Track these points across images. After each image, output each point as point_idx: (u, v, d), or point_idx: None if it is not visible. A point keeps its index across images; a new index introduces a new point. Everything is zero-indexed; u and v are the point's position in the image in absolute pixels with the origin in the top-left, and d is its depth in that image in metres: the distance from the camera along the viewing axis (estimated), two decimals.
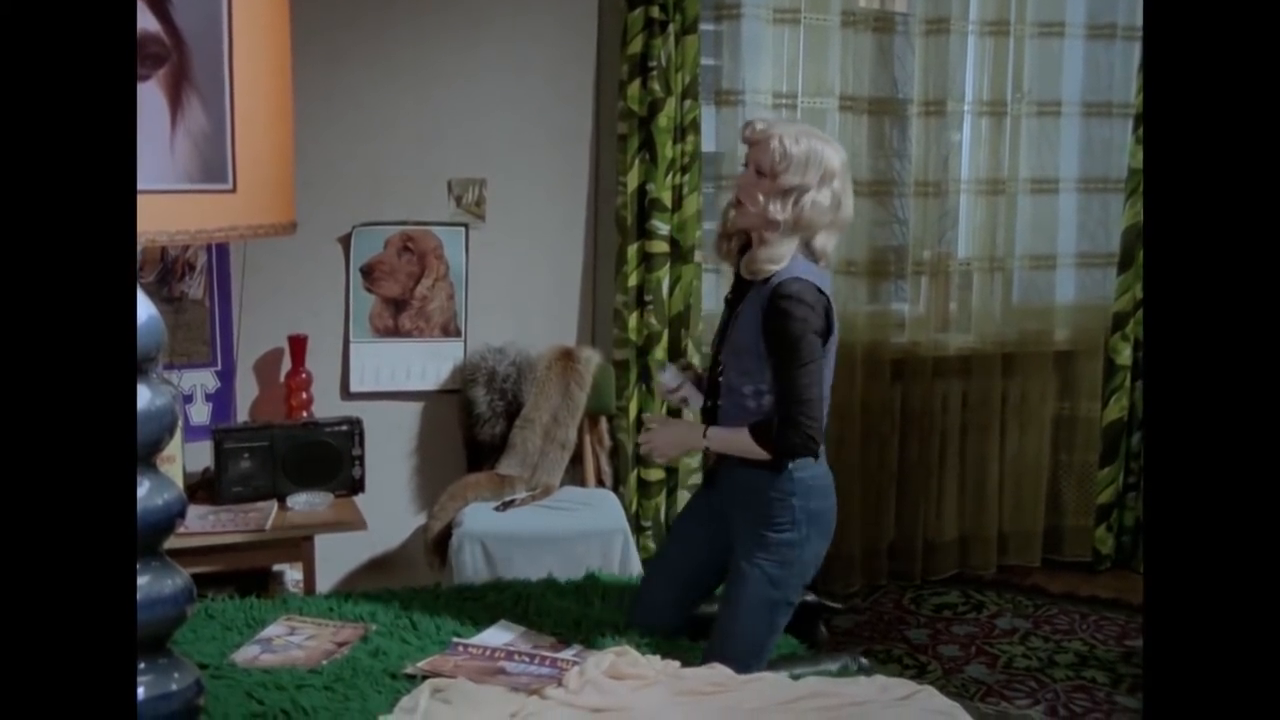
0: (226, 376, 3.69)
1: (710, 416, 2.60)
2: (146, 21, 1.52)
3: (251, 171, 1.65)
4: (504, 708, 2.04)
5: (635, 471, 3.90)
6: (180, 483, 3.28)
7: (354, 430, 3.54)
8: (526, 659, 2.36)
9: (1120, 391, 4.39)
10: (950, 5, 4.11)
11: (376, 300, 3.81)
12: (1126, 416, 4.41)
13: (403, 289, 3.82)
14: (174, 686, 1.75)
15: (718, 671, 2.25)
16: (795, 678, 2.28)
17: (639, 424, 3.81)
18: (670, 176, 3.82)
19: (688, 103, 3.83)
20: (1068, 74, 4.30)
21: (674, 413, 3.59)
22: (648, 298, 3.85)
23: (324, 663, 2.33)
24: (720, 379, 2.56)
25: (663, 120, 3.78)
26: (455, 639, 2.47)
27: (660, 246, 3.83)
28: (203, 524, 3.25)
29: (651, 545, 3.88)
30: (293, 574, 3.43)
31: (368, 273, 3.79)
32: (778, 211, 2.43)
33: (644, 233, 3.84)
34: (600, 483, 3.87)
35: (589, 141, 3.94)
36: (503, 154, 3.86)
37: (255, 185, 1.66)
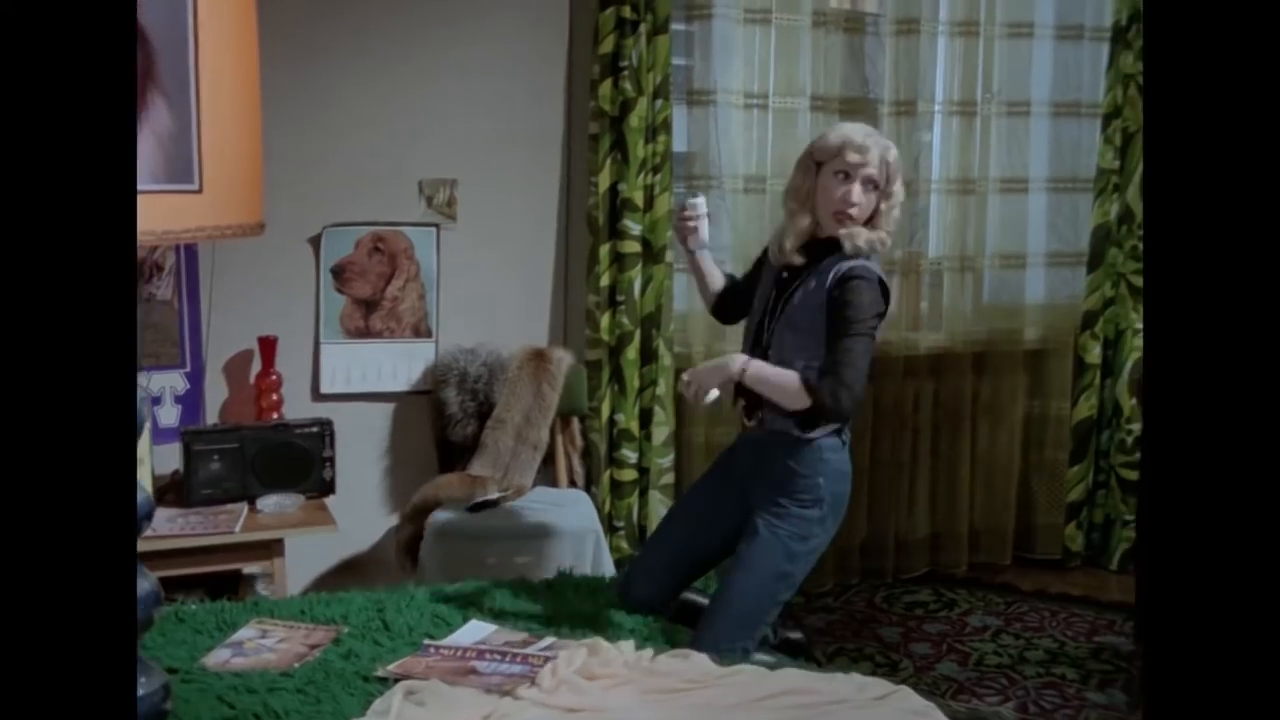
0: (195, 378, 3.67)
1: (755, 398, 2.72)
2: None
3: (218, 172, 1.64)
4: (477, 709, 2.04)
5: (608, 472, 3.90)
6: (149, 485, 3.25)
7: (325, 432, 3.53)
8: (498, 657, 2.36)
9: (1090, 390, 4.42)
10: (920, 6, 4.13)
11: (347, 301, 3.79)
12: (1096, 415, 4.44)
13: (374, 290, 3.81)
14: (140, 691, 1.74)
15: (692, 664, 2.25)
16: (772, 667, 2.29)
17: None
18: (642, 176, 3.82)
19: (659, 102, 3.83)
20: (1037, 74, 4.32)
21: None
22: (619, 298, 3.85)
23: (296, 665, 2.32)
24: (770, 353, 2.71)
25: (634, 120, 3.78)
26: (427, 640, 2.46)
27: (632, 246, 3.83)
28: (172, 527, 3.23)
29: (625, 546, 3.88)
30: (264, 576, 3.41)
31: (338, 273, 3.77)
32: (886, 223, 2.73)
33: (616, 233, 3.84)
34: (572, 483, 3.87)
35: (560, 141, 3.94)
36: (474, 154, 3.85)
37: (222, 186, 1.66)
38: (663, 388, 3.90)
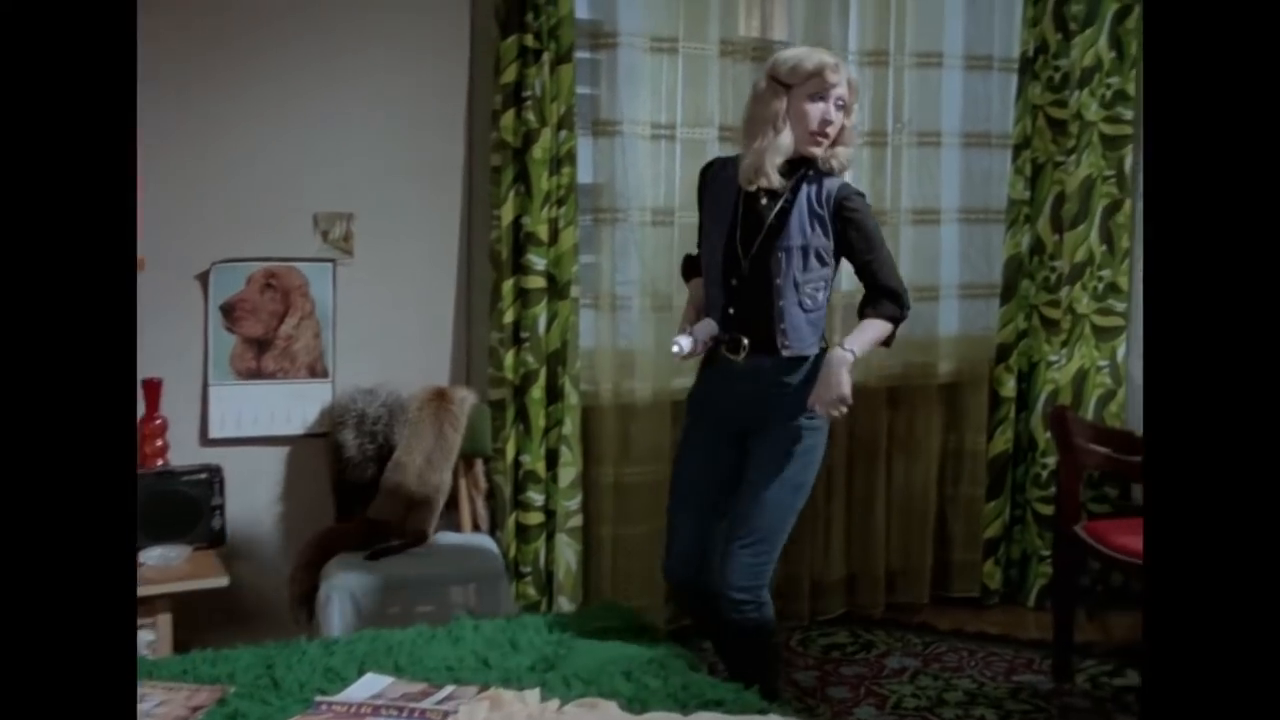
0: None
1: (748, 326, 3.02)
2: None
3: None
4: None
5: (513, 516, 3.87)
6: None
7: (213, 479, 3.46)
8: (395, 712, 2.32)
9: (1005, 424, 4.49)
10: (829, 35, 4.19)
11: (238, 341, 3.73)
12: (1012, 449, 4.52)
13: (266, 328, 3.75)
14: None
15: (601, 713, 2.24)
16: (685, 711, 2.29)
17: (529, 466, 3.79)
18: (546, 209, 3.82)
19: (564, 133, 3.83)
20: (947, 105, 4.41)
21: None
22: (524, 335, 3.84)
23: None
24: (776, 280, 2.98)
25: (538, 151, 3.78)
26: (319, 697, 2.41)
27: (536, 282, 3.82)
28: None
29: (531, 592, 3.85)
30: (145, 635, 3.32)
31: (228, 311, 3.71)
32: (852, 139, 3.08)
33: (519, 268, 3.83)
34: (476, 528, 3.84)
35: (461, 174, 3.92)
36: (371, 187, 3.82)
37: None
38: (569, 427, 3.88)
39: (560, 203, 3.85)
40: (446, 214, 3.92)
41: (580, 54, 3.91)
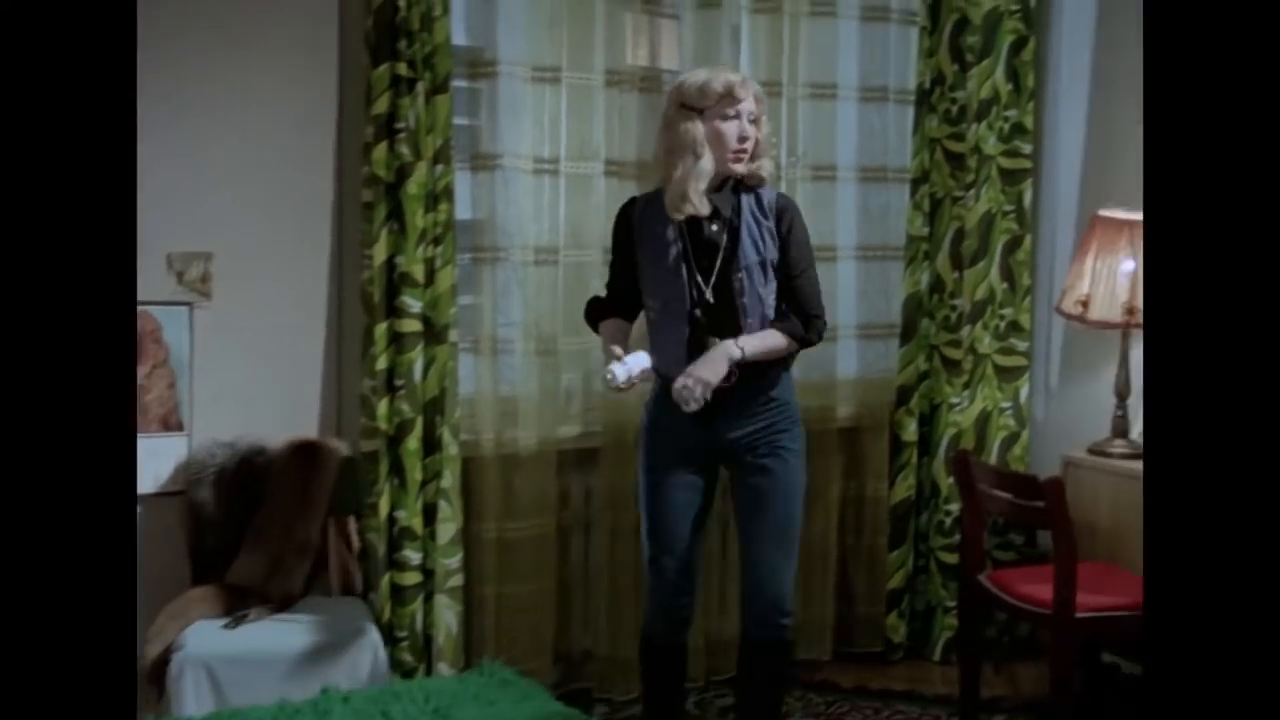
0: None
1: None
2: None
3: None
4: None
5: (387, 576, 3.72)
6: None
7: None
8: None
9: (907, 469, 4.46)
10: (720, 65, 4.15)
11: None
12: (914, 495, 4.48)
13: None
14: None
15: None
16: None
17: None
18: (422, 248, 3.70)
19: (440, 167, 3.73)
20: (842, 138, 4.38)
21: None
22: (398, 382, 3.71)
23: None
24: (742, 300, 3.10)
25: (413, 187, 3.66)
26: None
27: (412, 325, 3.70)
28: None
29: (408, 658, 3.70)
30: None
31: None
32: (767, 149, 3.21)
33: (393, 310, 3.70)
34: (347, 590, 3.68)
35: (330, 210, 3.80)
36: (232, 225, 3.68)
37: None
38: (448, 480, 3.76)
39: (437, 241, 3.74)
40: (314, 253, 3.79)
41: (457, 83, 3.81)
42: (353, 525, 3.72)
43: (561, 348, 3.99)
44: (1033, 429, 4.59)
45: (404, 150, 3.66)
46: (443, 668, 3.76)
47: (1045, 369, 4.69)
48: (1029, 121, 4.50)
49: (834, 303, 4.38)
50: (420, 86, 3.67)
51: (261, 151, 3.70)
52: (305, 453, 3.62)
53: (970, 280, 4.47)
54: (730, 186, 3.15)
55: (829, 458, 4.40)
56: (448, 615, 3.77)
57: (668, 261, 3.14)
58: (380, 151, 3.66)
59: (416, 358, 3.72)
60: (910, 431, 4.46)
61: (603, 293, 3.40)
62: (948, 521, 4.43)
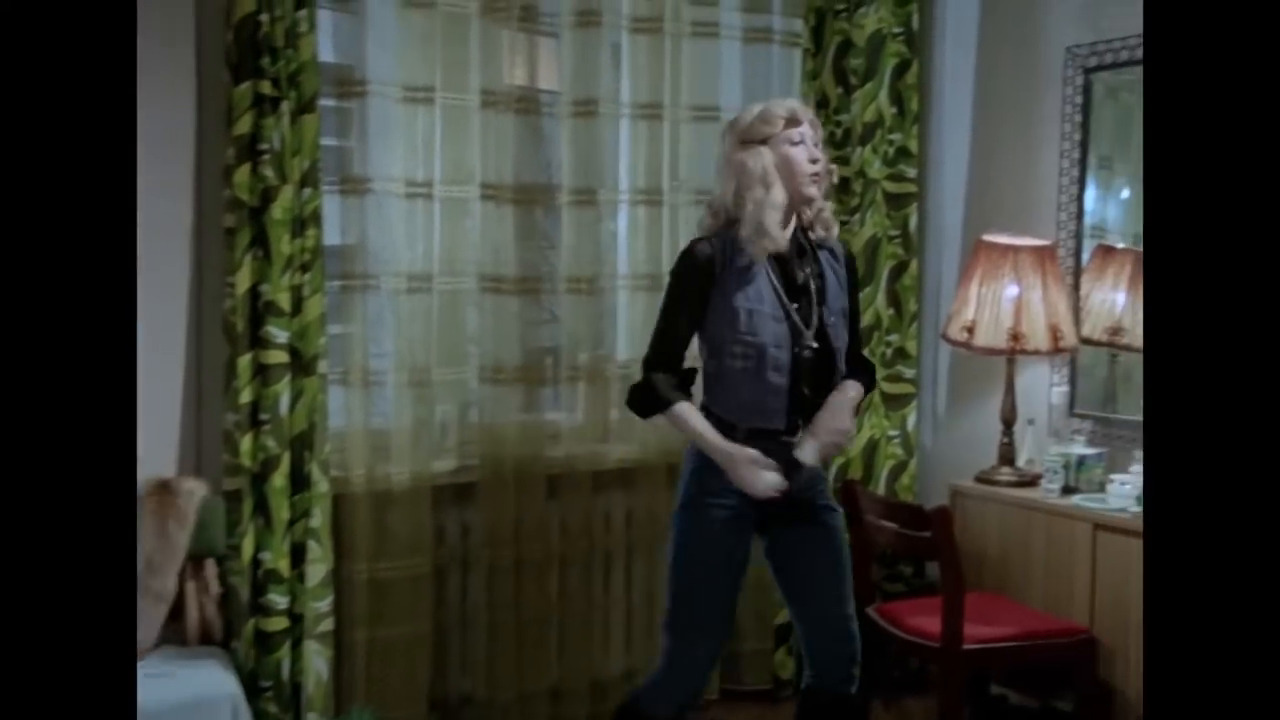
0: None
1: (813, 406, 3.06)
2: None
3: None
4: None
5: (251, 623, 3.59)
6: None
7: None
8: None
9: None
10: (600, 86, 4.12)
11: None
12: None
13: None
14: None
15: None
16: None
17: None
18: (288, 276, 3.59)
19: (307, 191, 3.62)
20: None
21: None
22: (264, 416, 3.58)
23: None
24: (836, 345, 3.07)
25: (278, 211, 3.55)
26: None
27: (278, 357, 3.58)
28: None
29: (273, 709, 3.57)
30: None
31: None
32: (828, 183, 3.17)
33: (258, 341, 3.58)
34: (206, 639, 3.54)
35: (189, 236, 3.66)
36: None
37: None
38: (317, 519, 3.64)
39: (304, 268, 3.63)
40: (172, 281, 3.65)
41: (325, 103, 3.71)
42: (212, 569, 3.58)
43: (436, 379, 3.91)
44: (920, 457, 4.61)
45: (268, 173, 3.55)
46: (312, 718, 3.63)
47: (932, 396, 4.72)
48: (914, 145, 4.53)
49: None
50: (285, 106, 3.57)
51: None
52: (161, 493, 3.47)
53: None
54: (794, 230, 3.08)
55: None
56: (317, 662, 3.65)
57: (765, 305, 3.01)
58: (243, 174, 3.55)
59: (283, 390, 3.60)
60: None
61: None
62: None
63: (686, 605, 3.12)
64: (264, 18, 3.50)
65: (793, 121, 3.03)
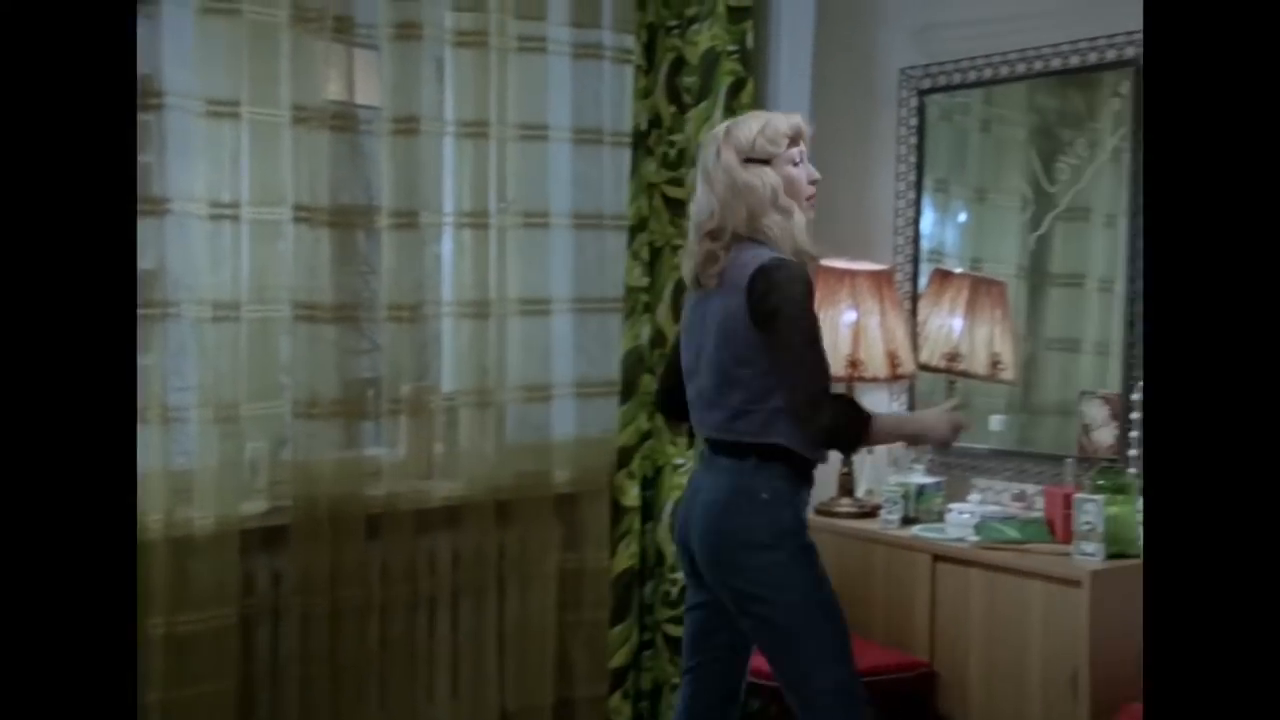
0: None
1: None
2: None
3: None
4: None
5: None
6: None
7: None
8: None
9: (630, 536, 4.33)
10: (421, 101, 3.96)
11: None
12: (638, 565, 4.36)
13: None
14: None
15: None
16: None
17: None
18: None
19: None
20: (555, 182, 4.25)
21: None
22: None
23: None
24: None
25: None
26: None
27: None
28: None
29: None
30: None
31: None
32: None
33: None
34: None
35: None
36: None
37: None
38: None
39: None
40: None
41: None
42: None
43: (245, 414, 3.69)
44: None
45: None
46: None
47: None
48: None
49: (549, 359, 4.26)
50: None
51: None
52: None
53: None
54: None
55: (545, 527, 4.24)
56: None
57: None
58: None
59: None
60: (632, 496, 4.34)
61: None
62: (674, 591, 4.32)
63: (844, 632, 3.02)
64: None
65: (794, 140, 2.97)
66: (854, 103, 4.47)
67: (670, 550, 4.32)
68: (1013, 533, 3.69)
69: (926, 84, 4.25)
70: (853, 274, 4.06)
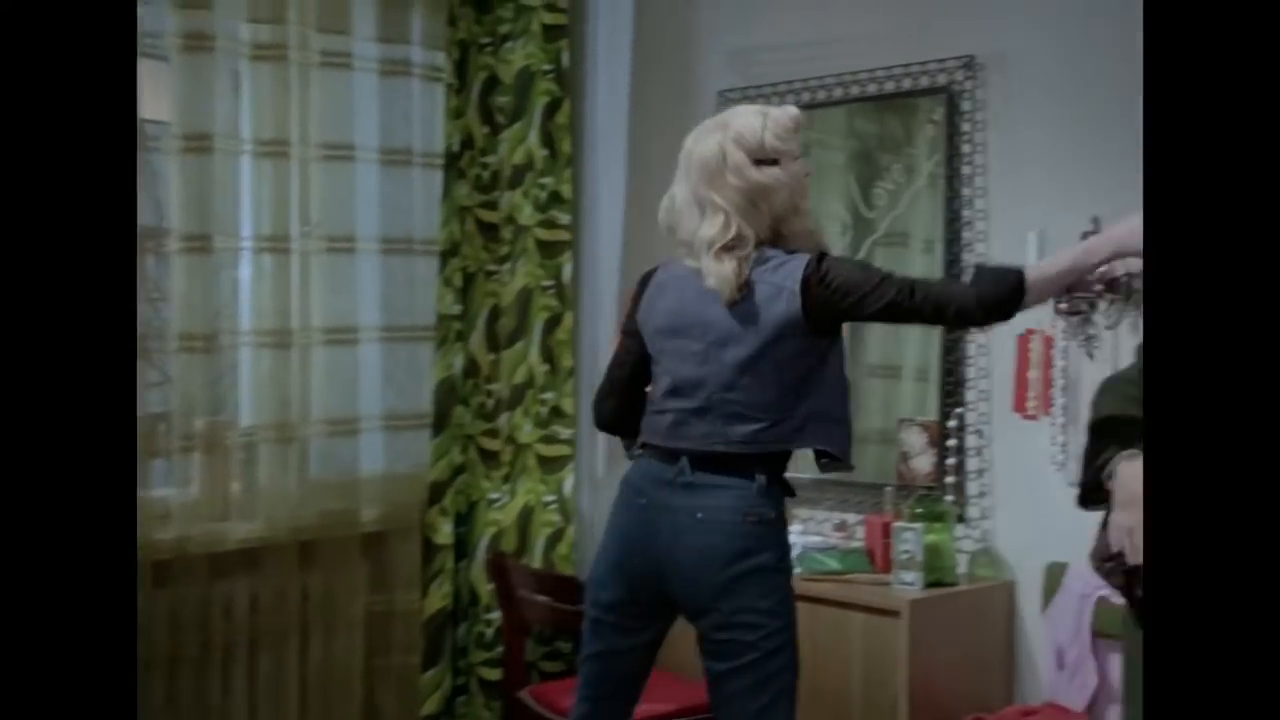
0: None
1: None
2: None
3: None
4: None
5: None
6: None
7: None
8: None
9: (442, 576, 4.22)
10: (215, 117, 3.81)
11: None
12: (451, 605, 4.25)
13: None
14: None
15: None
16: None
17: None
18: None
19: None
20: (362, 205, 4.14)
21: None
22: None
23: None
24: None
25: None
26: None
27: None
28: None
29: None
30: None
31: None
32: None
33: None
34: None
35: None
36: None
37: None
38: None
39: None
40: None
41: None
42: None
43: None
44: (579, 524, 4.47)
45: None
46: None
47: (591, 457, 4.59)
48: (567, 190, 4.41)
49: (355, 391, 4.13)
50: None
51: None
52: None
53: (508, 362, 4.32)
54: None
55: (351, 568, 4.12)
56: None
57: None
58: None
59: None
60: (445, 533, 4.23)
61: None
62: (489, 633, 4.22)
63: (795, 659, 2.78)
64: None
65: (797, 133, 2.84)
66: (673, 125, 4.42)
67: (485, 589, 4.21)
68: (833, 564, 3.68)
69: None
70: None
